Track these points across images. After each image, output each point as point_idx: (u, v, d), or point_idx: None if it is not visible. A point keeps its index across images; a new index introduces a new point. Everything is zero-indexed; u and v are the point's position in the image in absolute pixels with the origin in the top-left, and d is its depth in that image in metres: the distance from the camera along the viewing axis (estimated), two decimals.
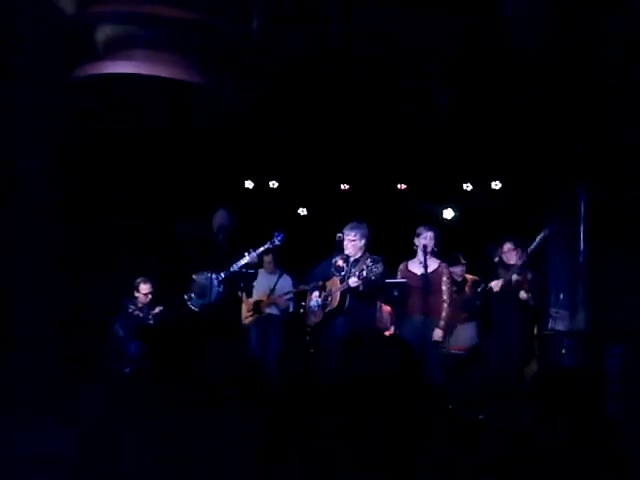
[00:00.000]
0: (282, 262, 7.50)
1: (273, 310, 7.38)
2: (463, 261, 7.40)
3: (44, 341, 6.15)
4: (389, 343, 3.73)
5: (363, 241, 6.06)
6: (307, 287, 6.41)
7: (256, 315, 7.32)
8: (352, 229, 6.06)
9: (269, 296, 7.31)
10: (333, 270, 6.11)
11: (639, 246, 6.63)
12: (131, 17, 5.64)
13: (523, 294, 6.21)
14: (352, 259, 6.07)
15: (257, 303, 7.33)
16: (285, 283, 7.42)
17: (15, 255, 6.30)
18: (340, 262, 6.11)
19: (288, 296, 7.37)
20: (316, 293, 6.14)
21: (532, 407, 3.14)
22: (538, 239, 6.33)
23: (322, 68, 6.71)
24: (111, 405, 3.64)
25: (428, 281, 6.15)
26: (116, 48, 5.71)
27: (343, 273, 6.02)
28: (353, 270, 5.98)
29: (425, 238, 6.21)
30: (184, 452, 3.40)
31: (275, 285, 7.32)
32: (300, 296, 7.05)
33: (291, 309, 7.38)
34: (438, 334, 6.11)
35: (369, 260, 5.97)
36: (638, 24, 5.59)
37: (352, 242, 6.02)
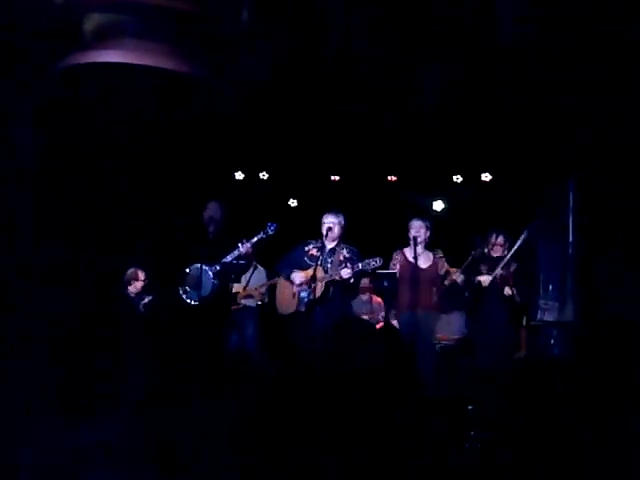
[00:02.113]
0: (259, 255, 7.51)
1: (249, 302, 7.45)
2: (441, 255, 7.43)
3: (42, 338, 6.12)
4: (382, 334, 3.75)
5: (341, 230, 6.07)
6: (281, 275, 6.33)
7: (233, 307, 7.37)
8: (333, 217, 6.06)
9: (245, 288, 7.40)
10: (307, 259, 6.07)
11: (627, 238, 6.67)
12: (119, 5, 5.60)
13: (507, 290, 6.21)
14: (328, 248, 6.06)
15: (235, 295, 7.40)
16: (259, 275, 7.52)
17: (14, 253, 6.28)
18: (314, 251, 6.08)
19: (263, 288, 7.45)
20: (299, 277, 6.04)
21: (519, 395, 3.16)
22: (523, 236, 6.35)
23: (313, 60, 6.70)
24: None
25: (420, 273, 6.17)
26: (105, 37, 5.67)
27: (319, 262, 5.96)
28: (330, 259, 5.98)
29: (413, 229, 6.23)
30: (176, 444, 3.41)
31: (250, 277, 7.40)
32: (273, 287, 7.05)
33: (266, 300, 7.47)
34: None
35: (345, 250, 6.00)
36: (631, 23, 5.60)
37: (332, 231, 6.01)
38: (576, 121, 6.85)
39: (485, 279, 6.29)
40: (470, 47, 6.31)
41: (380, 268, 6.04)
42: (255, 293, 7.47)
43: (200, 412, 3.56)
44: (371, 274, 7.27)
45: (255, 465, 3.01)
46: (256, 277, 7.51)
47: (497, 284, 6.26)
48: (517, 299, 6.23)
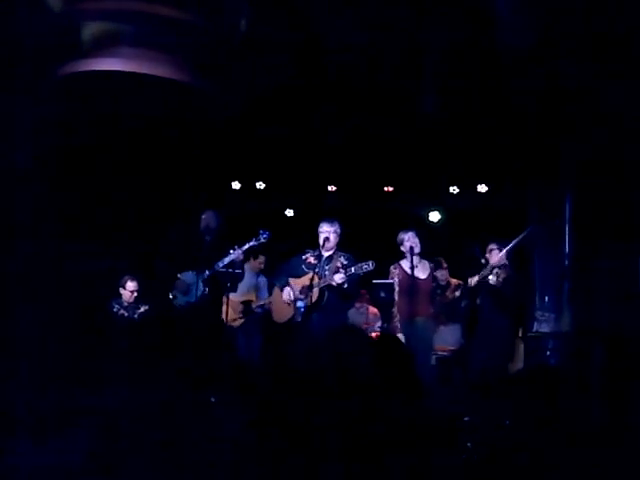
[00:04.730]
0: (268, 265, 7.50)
1: (257, 310, 7.41)
2: (445, 265, 7.43)
3: (43, 342, 6.11)
4: (380, 343, 3.74)
5: (337, 238, 6.05)
6: (277, 284, 6.30)
7: (247, 315, 7.32)
8: (328, 226, 6.04)
9: (256, 297, 7.35)
10: (304, 267, 6.05)
11: (624, 248, 6.67)
12: (118, 14, 5.62)
13: (492, 277, 6.26)
14: (325, 256, 6.03)
15: (247, 303, 7.32)
16: (262, 283, 7.48)
17: (14, 257, 6.26)
18: (311, 259, 6.05)
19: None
20: (287, 289, 6.04)
21: (514, 404, 3.15)
22: (516, 240, 6.44)
23: (310, 69, 6.72)
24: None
25: (419, 283, 6.18)
26: (103, 45, 5.69)
27: (317, 270, 5.93)
28: (327, 267, 5.95)
29: (409, 240, 6.22)
30: (174, 450, 3.39)
31: (259, 285, 7.39)
32: None
33: None
34: None
35: (342, 257, 5.98)
36: (630, 25, 5.61)
37: (329, 241, 5.99)
38: (572, 130, 6.87)
39: (470, 280, 6.37)
40: (467, 58, 6.34)
41: (373, 273, 6.00)
42: (268, 302, 7.42)
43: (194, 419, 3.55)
44: (368, 284, 7.27)
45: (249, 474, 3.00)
46: (260, 284, 7.48)
47: (488, 286, 6.31)
48: (500, 285, 6.26)
